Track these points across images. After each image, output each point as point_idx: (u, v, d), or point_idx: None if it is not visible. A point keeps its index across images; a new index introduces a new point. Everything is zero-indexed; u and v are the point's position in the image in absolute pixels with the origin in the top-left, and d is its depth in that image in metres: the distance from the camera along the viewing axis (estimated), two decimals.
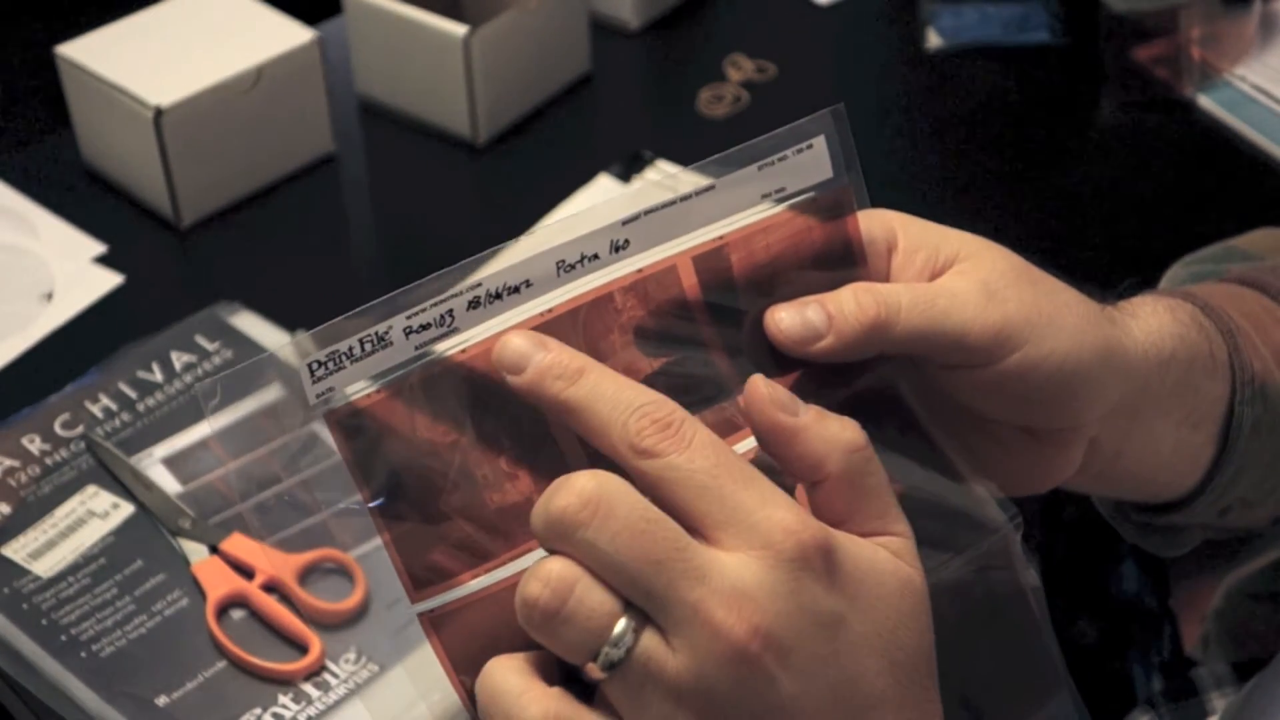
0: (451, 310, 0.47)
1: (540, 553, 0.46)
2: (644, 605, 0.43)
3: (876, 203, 0.55)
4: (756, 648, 0.42)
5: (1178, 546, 0.65)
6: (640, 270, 0.49)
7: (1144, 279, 0.63)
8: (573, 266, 0.49)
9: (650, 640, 0.43)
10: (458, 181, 1.08)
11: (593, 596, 0.43)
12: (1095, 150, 1.12)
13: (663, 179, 1.04)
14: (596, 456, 0.47)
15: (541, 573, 0.43)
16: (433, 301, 0.47)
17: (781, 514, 0.44)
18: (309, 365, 0.46)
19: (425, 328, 0.47)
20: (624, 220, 0.49)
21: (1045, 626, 0.53)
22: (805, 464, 0.46)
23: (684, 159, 1.06)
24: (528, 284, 0.48)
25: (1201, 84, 1.14)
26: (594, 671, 0.43)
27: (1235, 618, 0.85)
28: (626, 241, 0.49)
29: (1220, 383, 0.59)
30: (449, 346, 0.47)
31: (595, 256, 0.49)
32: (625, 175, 1.05)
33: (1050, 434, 0.56)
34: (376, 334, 0.46)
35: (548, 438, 0.48)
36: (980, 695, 0.53)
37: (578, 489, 0.43)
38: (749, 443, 0.50)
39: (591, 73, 1.16)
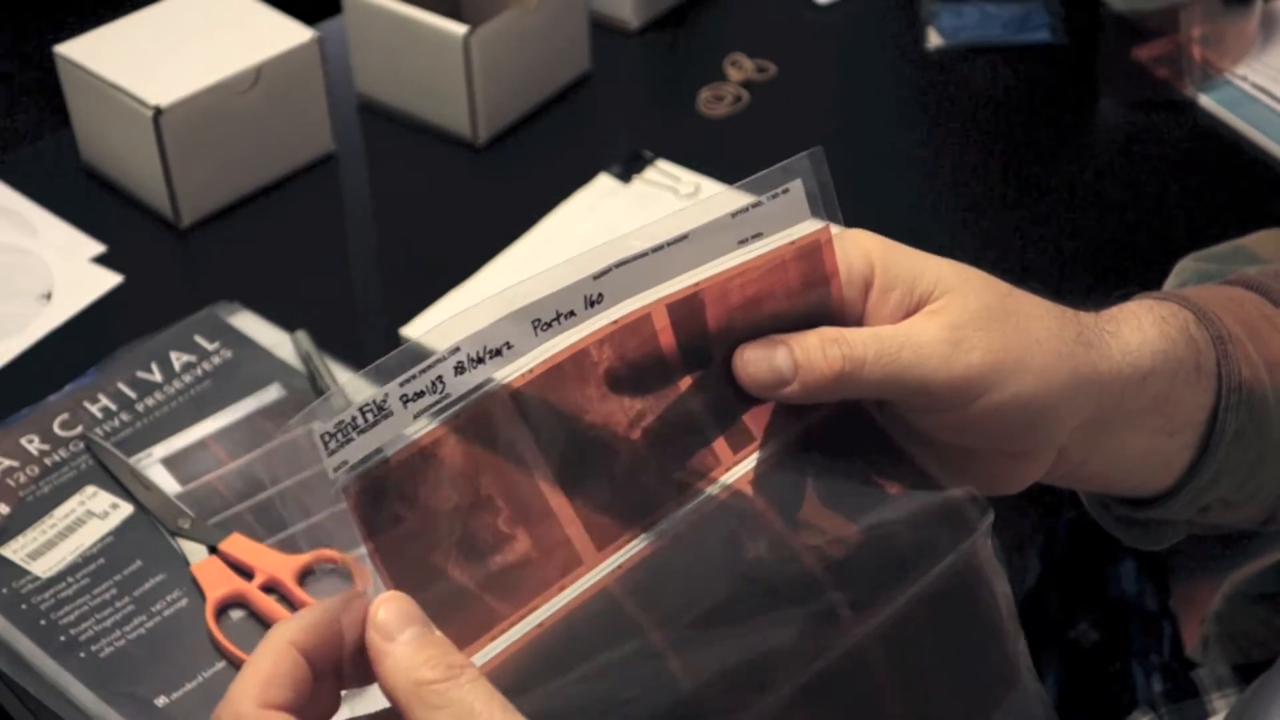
0: (441, 376, 0.47)
1: (547, 608, 0.47)
2: None
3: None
4: None
5: (1159, 540, 0.64)
6: (615, 322, 0.50)
7: (1130, 291, 0.63)
8: (549, 325, 0.49)
9: None
10: (458, 181, 1.08)
11: None
12: (1095, 150, 1.12)
13: (663, 178, 1.04)
14: (590, 514, 0.49)
15: None
16: (421, 368, 0.47)
17: None
18: (322, 438, 0.46)
19: (419, 395, 0.47)
20: (595, 274, 0.49)
21: (1013, 627, 0.53)
22: (383, 687, 0.47)
23: (684, 159, 1.06)
24: (509, 345, 0.48)
25: (1202, 83, 1.14)
26: None
27: (1235, 619, 0.85)
28: (600, 296, 0.49)
29: (1203, 393, 0.59)
30: (442, 412, 0.48)
31: (571, 314, 0.49)
32: (625, 175, 1.05)
33: (1016, 450, 0.56)
34: (375, 403, 0.46)
35: (538, 495, 0.49)
36: (941, 700, 0.53)
37: None
38: (721, 482, 0.51)
39: (591, 73, 1.16)
